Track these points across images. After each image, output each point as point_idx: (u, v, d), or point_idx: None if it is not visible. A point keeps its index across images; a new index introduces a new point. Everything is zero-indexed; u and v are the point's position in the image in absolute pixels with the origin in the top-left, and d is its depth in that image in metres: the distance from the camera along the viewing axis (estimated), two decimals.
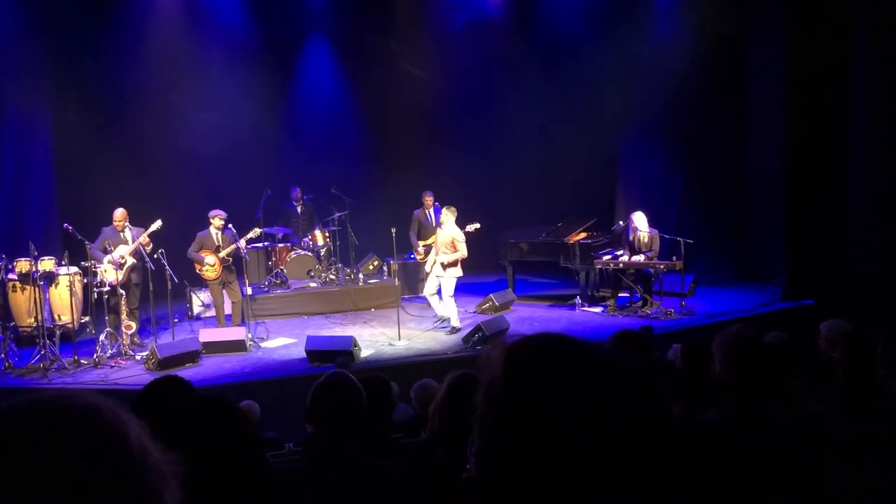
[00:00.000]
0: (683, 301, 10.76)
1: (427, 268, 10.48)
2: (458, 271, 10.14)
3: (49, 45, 11.02)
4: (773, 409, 3.02)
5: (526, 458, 1.01)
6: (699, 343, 4.38)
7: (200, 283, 11.16)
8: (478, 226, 10.75)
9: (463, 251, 10.02)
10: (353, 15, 13.80)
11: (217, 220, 10.08)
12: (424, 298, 10.91)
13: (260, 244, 12.09)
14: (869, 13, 10.42)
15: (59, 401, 0.90)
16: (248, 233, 10.43)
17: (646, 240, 10.79)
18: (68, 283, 9.31)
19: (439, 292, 10.27)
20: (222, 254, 10.03)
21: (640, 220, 10.85)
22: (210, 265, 10.03)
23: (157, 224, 9.60)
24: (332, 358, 8.56)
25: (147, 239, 9.56)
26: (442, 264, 10.06)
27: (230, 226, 10.19)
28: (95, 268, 9.26)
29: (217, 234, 10.11)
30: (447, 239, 10.05)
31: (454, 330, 10.07)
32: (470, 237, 10.37)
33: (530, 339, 1.13)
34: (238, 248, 10.06)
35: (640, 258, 10.80)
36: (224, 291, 10.33)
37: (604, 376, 1.05)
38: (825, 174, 10.76)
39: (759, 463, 2.70)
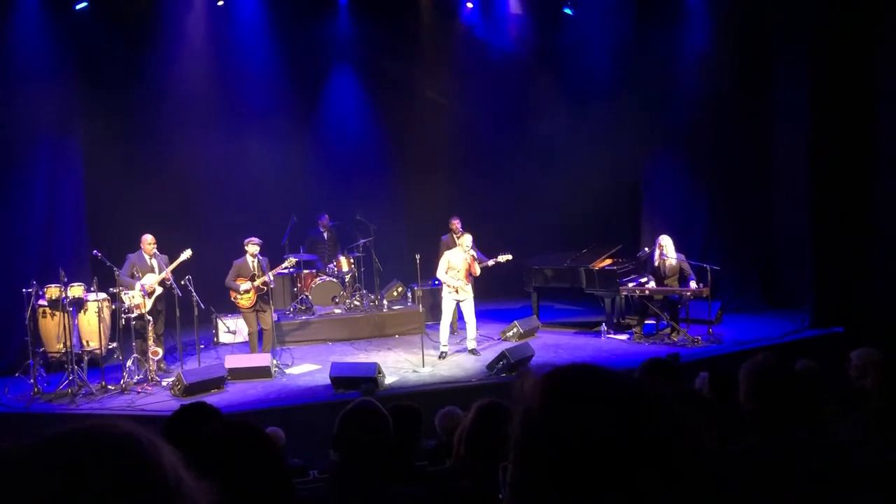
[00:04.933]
0: (711, 328, 10.64)
1: (458, 294, 10.26)
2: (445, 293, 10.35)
3: (80, 75, 11.23)
4: (803, 437, 2.97)
5: (564, 487, 1.01)
6: (727, 371, 4.34)
7: (227, 309, 11.21)
8: (509, 257, 10.72)
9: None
10: (378, 43, 13.93)
11: (252, 246, 10.06)
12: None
13: (286, 270, 12.18)
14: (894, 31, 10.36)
15: (97, 430, 0.91)
16: (281, 264, 10.50)
17: (672, 263, 10.71)
18: (97, 310, 9.37)
19: (461, 318, 10.36)
20: (257, 282, 10.00)
21: (667, 242, 10.79)
22: (246, 293, 10.02)
23: (187, 254, 9.64)
24: (357, 385, 8.55)
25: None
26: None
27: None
28: (123, 294, 9.36)
29: (253, 261, 10.07)
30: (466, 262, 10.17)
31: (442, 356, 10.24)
32: (496, 264, 10.62)
33: (567, 368, 1.13)
34: (268, 279, 10.10)
35: (685, 286, 10.65)
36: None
37: (641, 406, 1.05)
38: (854, 199, 10.62)
39: (789, 493, 2.66)
